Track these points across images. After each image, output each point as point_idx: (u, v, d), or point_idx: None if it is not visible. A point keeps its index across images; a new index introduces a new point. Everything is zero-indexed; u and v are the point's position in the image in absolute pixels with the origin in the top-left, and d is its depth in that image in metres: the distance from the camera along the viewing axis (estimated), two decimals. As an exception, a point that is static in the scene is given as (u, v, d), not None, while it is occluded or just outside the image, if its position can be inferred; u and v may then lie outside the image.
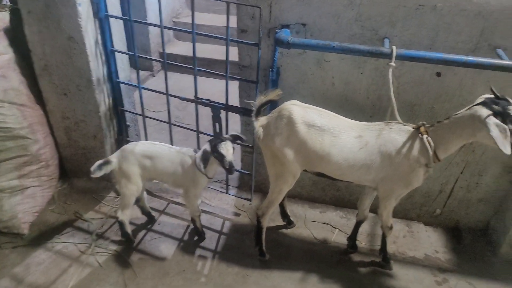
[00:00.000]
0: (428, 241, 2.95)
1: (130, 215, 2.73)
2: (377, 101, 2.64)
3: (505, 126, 1.82)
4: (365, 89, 2.61)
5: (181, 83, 4.89)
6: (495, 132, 1.81)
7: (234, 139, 2.50)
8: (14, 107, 2.76)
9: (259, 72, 2.59)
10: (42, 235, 2.87)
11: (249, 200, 3.18)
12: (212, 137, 2.56)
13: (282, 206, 2.93)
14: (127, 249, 2.79)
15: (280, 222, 3.05)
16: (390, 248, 2.87)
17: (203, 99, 2.75)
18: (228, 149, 2.40)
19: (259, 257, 2.73)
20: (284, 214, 2.97)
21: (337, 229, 3.01)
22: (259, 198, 3.27)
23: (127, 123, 3.28)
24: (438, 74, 2.45)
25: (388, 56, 2.14)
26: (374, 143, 2.15)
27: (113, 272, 2.62)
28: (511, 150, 1.83)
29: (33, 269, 2.62)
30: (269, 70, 2.62)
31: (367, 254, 2.82)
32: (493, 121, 1.84)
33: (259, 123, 2.31)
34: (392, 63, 2.14)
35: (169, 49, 5.66)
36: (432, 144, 2.06)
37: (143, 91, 2.98)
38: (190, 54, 2.64)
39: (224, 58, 2.57)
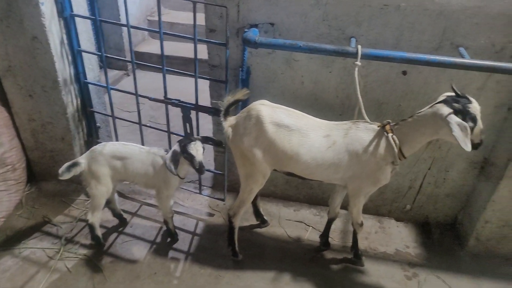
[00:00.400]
0: (399, 237, 3.00)
1: (100, 218, 2.68)
2: (346, 100, 2.66)
3: (466, 124, 1.86)
4: (334, 88, 2.63)
5: (156, 82, 4.81)
6: (456, 130, 1.85)
7: (205, 140, 2.49)
8: (-23, 109, 2.67)
9: (228, 72, 2.58)
10: (8, 241, 2.79)
11: (223, 200, 3.17)
12: (182, 137, 2.53)
13: (255, 205, 2.93)
14: (98, 253, 2.73)
15: (254, 221, 3.05)
16: (362, 244, 2.91)
17: (173, 99, 2.72)
18: (197, 150, 2.38)
19: (232, 258, 2.72)
20: (257, 214, 2.98)
21: (311, 227, 3.04)
22: (233, 198, 3.26)
23: (97, 124, 3.22)
24: (404, 73, 2.49)
25: (354, 55, 2.16)
26: (341, 142, 2.17)
27: (82, 277, 2.57)
28: (471, 146, 1.88)
29: (-1, 276, 2.55)
30: (239, 70, 2.61)
31: (340, 251, 2.85)
32: (454, 119, 1.88)
33: (228, 123, 2.31)
34: (358, 62, 2.16)
35: (144, 48, 5.59)
36: (397, 142, 2.10)
37: (117, 91, 2.92)
38: (165, 53, 2.61)
39: (199, 56, 2.55)
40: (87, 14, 2.83)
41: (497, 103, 2.48)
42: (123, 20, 5.02)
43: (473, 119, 1.90)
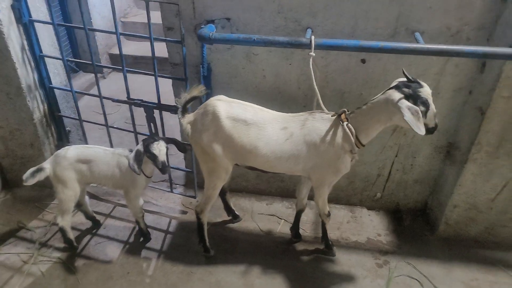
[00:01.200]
0: (371, 225, 3.02)
1: (70, 221, 2.69)
2: (308, 91, 2.67)
3: (417, 108, 1.87)
4: (295, 80, 2.64)
5: (133, 83, 4.83)
6: (407, 115, 1.86)
7: (169, 141, 2.50)
8: None
9: (188, 69, 2.58)
10: (-18, 248, 2.81)
11: (194, 197, 3.18)
12: (146, 137, 2.54)
13: (225, 201, 2.94)
14: (71, 255, 2.75)
15: (227, 217, 3.06)
16: (334, 234, 2.93)
17: (136, 99, 2.73)
18: (160, 149, 2.39)
19: (204, 254, 2.74)
20: (228, 209, 2.99)
21: (283, 220, 3.05)
22: (206, 194, 3.28)
23: (67, 128, 3.22)
24: (363, 61, 2.49)
25: (308, 46, 2.16)
26: (299, 133, 2.18)
27: (55, 280, 2.59)
28: (425, 130, 1.89)
29: (-28, 283, 2.57)
30: (200, 67, 2.61)
31: (311, 242, 2.87)
32: (405, 104, 1.89)
33: (186, 120, 2.31)
34: (312, 53, 2.15)
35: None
36: (352, 130, 2.11)
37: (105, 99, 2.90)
38: (140, 53, 2.61)
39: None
40: (47, 19, 2.81)
41: (456, 87, 2.48)
42: (95, 24, 5.04)
43: (424, 103, 1.91)
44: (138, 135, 3.00)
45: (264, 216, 3.10)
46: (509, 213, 2.66)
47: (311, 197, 3.15)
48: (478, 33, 2.27)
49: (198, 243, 2.75)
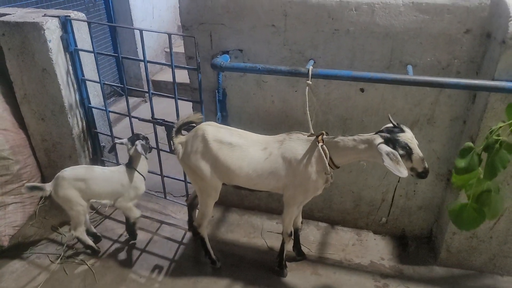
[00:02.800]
0: (375, 249, 3.08)
1: (84, 230, 2.97)
2: (313, 116, 2.86)
3: (395, 152, 1.95)
4: (301, 106, 2.85)
5: (170, 107, 5.26)
6: (386, 160, 1.95)
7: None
8: (-2, 132, 3.14)
9: (204, 93, 2.89)
10: (19, 247, 3.17)
11: (208, 212, 3.41)
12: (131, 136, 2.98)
13: (190, 215, 3.17)
14: (93, 258, 3.05)
15: (239, 233, 3.26)
16: (338, 255, 3.03)
17: (158, 119, 3.06)
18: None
19: (211, 265, 2.93)
20: (190, 222, 3.19)
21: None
22: (220, 210, 3.50)
23: (102, 144, 3.61)
24: (362, 90, 2.68)
25: (306, 75, 2.39)
26: (277, 153, 2.37)
27: (76, 279, 2.88)
28: (407, 172, 1.94)
29: (7, 276, 2.91)
30: (216, 92, 2.91)
31: (315, 261, 2.98)
32: (384, 149, 1.97)
33: (178, 140, 2.56)
34: (309, 82, 2.38)
35: (161, 77, 6.10)
36: (327, 152, 2.23)
37: (134, 118, 3.29)
38: (178, 81, 2.99)
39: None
40: (90, 48, 3.26)
41: (452, 116, 2.58)
42: (140, 54, 5.58)
43: (404, 147, 1.97)
44: (160, 151, 3.32)
45: (272, 234, 3.26)
46: (509, 243, 2.64)
47: (311, 217, 3.31)
48: (468, 67, 2.39)
49: (204, 255, 2.95)
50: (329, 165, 2.26)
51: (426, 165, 2.04)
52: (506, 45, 2.09)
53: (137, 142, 2.88)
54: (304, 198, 2.45)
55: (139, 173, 2.98)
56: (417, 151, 2.02)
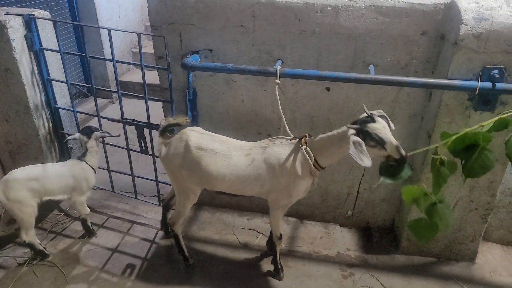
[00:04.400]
0: (342, 241, 3.23)
1: (34, 234, 2.91)
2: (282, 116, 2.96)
3: (361, 141, 1.98)
4: (270, 104, 2.95)
5: (138, 108, 5.23)
6: (351, 148, 1.98)
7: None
8: (-42, 133, 3.04)
9: (174, 93, 2.92)
10: (-16, 251, 3.09)
11: (180, 210, 3.44)
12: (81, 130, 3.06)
13: (164, 216, 3.18)
14: (63, 260, 3.01)
15: (210, 230, 3.31)
16: (307, 248, 3.15)
17: (128, 119, 3.07)
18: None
19: (184, 262, 2.97)
20: (163, 223, 3.21)
21: (261, 234, 3.28)
22: (192, 209, 3.53)
23: (69, 145, 3.56)
24: (328, 89, 2.80)
25: (274, 74, 2.48)
26: (260, 158, 2.40)
27: (46, 281, 2.84)
28: (370, 162, 1.98)
29: (-28, 281, 2.84)
30: (186, 91, 2.95)
31: (285, 255, 3.08)
32: (352, 139, 2.00)
33: (162, 140, 2.59)
34: (278, 81, 2.47)
35: (128, 77, 6.03)
36: (311, 154, 2.28)
37: (103, 118, 3.27)
38: (147, 81, 2.97)
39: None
40: (55, 48, 3.20)
41: (411, 113, 2.76)
42: (106, 53, 5.50)
43: (374, 138, 1.99)
44: (130, 151, 3.31)
45: (244, 230, 3.34)
46: (462, 231, 2.85)
47: (288, 214, 3.42)
48: (424, 66, 2.57)
49: (177, 252, 2.98)
50: (314, 167, 2.31)
51: (403, 153, 1.99)
52: (457, 46, 2.26)
53: (96, 132, 2.97)
54: (288, 201, 2.49)
55: (89, 165, 3.01)
56: (390, 140, 2.00)
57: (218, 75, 2.92)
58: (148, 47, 6.33)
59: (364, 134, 2.02)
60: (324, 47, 2.65)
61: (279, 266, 2.84)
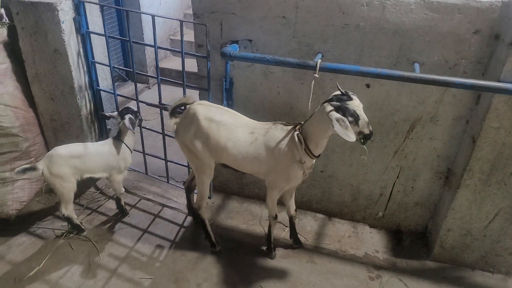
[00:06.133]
0: (370, 242, 3.16)
1: (73, 209, 3.05)
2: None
3: (344, 118, 2.11)
4: (306, 98, 2.90)
5: (173, 94, 5.32)
6: (336, 125, 2.10)
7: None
8: (8, 109, 3.18)
9: (212, 81, 2.94)
10: (26, 221, 3.26)
11: (210, 197, 3.49)
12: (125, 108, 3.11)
13: (189, 199, 3.24)
14: (97, 236, 3.14)
15: (238, 220, 3.34)
16: (334, 246, 3.11)
17: (166, 104, 3.12)
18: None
19: (210, 249, 3.02)
20: (189, 207, 3.27)
21: (287, 227, 3.26)
22: (221, 197, 3.58)
23: (108, 126, 3.68)
24: (368, 86, 2.72)
25: (314, 68, 2.44)
26: (261, 139, 2.48)
27: (81, 254, 2.98)
28: (355, 137, 2.11)
29: (14, 248, 3.00)
30: (223, 80, 2.96)
31: (311, 250, 3.06)
32: (334, 116, 2.12)
33: (174, 121, 2.69)
34: (316, 75, 2.43)
35: (166, 64, 6.11)
36: (301, 139, 2.34)
37: (141, 102, 3.38)
38: (186, 69, 3.04)
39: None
40: (101, 31, 3.30)
41: (455, 115, 2.63)
42: (146, 39, 5.61)
43: (353, 115, 2.14)
44: (166, 136, 3.38)
45: (271, 222, 3.34)
46: (501, 242, 2.71)
47: (309, 208, 3.38)
48: (475, 67, 2.43)
49: (204, 238, 3.03)
50: (307, 153, 2.36)
51: (371, 128, 2.22)
52: (513, 48, 2.13)
53: (126, 116, 3.01)
54: (285, 184, 2.57)
55: (126, 145, 3.10)
56: (363, 117, 2.18)
57: (256, 65, 2.90)
58: (186, 35, 6.40)
59: (344, 110, 2.15)
60: (367, 42, 2.57)
61: (272, 245, 2.93)
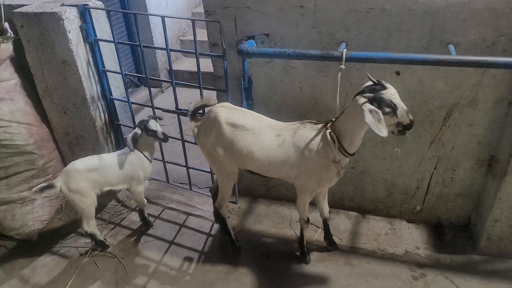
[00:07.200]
0: (409, 238, 2.98)
1: (95, 224, 2.93)
2: (345, 103, 2.73)
3: (378, 110, 1.93)
4: (332, 92, 2.73)
5: (188, 97, 5.18)
6: (368, 118, 1.92)
7: (154, 118, 2.93)
8: (21, 126, 3.08)
9: (230, 81, 2.78)
10: (48, 241, 3.17)
11: (235, 203, 3.35)
12: (140, 120, 2.91)
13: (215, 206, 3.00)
14: (122, 251, 3.02)
15: (267, 224, 3.18)
16: (371, 245, 2.94)
17: (183, 109, 2.97)
18: (156, 125, 2.87)
19: (230, 245, 2.94)
20: (216, 214, 3.00)
21: (320, 229, 3.10)
22: (246, 201, 3.43)
23: (124, 136, 3.56)
24: (398, 73, 2.53)
25: (339, 59, 2.26)
26: (290, 140, 2.31)
27: (107, 272, 2.86)
28: (386, 132, 1.92)
29: (39, 270, 2.91)
30: (241, 79, 2.80)
31: (347, 251, 2.90)
32: (367, 107, 1.94)
33: (194, 123, 2.55)
34: (342, 66, 2.25)
35: (177, 66, 5.97)
36: (334, 138, 2.18)
37: (157, 109, 3.22)
38: (196, 69, 2.88)
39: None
40: (110, 38, 3.16)
41: (496, 98, 2.42)
42: (156, 42, 5.47)
43: (389, 105, 1.97)
44: (185, 142, 3.24)
45: (301, 224, 3.18)
46: (557, 231, 2.51)
47: (341, 207, 3.21)
48: (516, 44, 2.23)
49: (223, 234, 2.95)
50: (341, 152, 2.21)
51: (411, 117, 2.02)
52: (561, 20, 1.92)
53: (131, 133, 2.83)
54: (317, 186, 2.41)
55: (145, 155, 2.95)
56: (402, 105, 2.00)
57: (275, 61, 2.74)
58: (198, 35, 6.26)
59: (379, 101, 1.98)
60: (394, 26, 2.38)
61: (305, 249, 2.78)
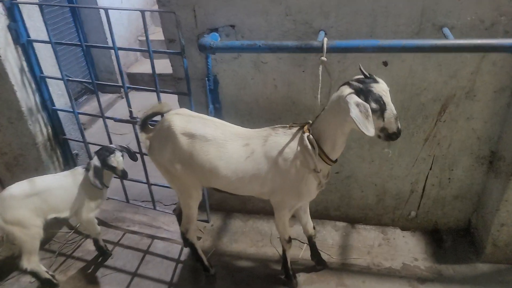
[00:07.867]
0: (405, 248, 2.67)
1: (38, 260, 2.43)
2: (326, 100, 2.38)
3: (366, 105, 1.62)
4: (310, 88, 2.38)
5: (150, 102, 4.71)
6: (354, 112, 1.60)
7: (122, 149, 2.50)
8: None
9: (190, 83, 2.38)
10: (-14, 282, 2.66)
11: (207, 221, 2.94)
12: (99, 148, 2.46)
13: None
14: (75, 289, 2.55)
15: (244, 242, 2.79)
16: (364, 260, 2.61)
17: (137, 117, 2.54)
18: (118, 160, 2.42)
19: (204, 273, 2.54)
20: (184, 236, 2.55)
21: (306, 244, 2.74)
22: (220, 217, 3.03)
23: (74, 151, 3.08)
24: (385, 64, 2.21)
25: (319, 50, 1.90)
26: (260, 150, 1.95)
27: (57, 317, 2.39)
28: (374, 131, 1.62)
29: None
30: (206, 80, 2.40)
31: (338, 270, 2.55)
32: (353, 99, 1.63)
33: (146, 135, 2.14)
34: (324, 58, 1.89)
35: (137, 68, 5.51)
36: (314, 143, 1.84)
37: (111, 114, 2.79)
38: (158, 71, 2.44)
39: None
40: (47, 38, 2.68)
41: (496, 87, 2.15)
42: (110, 43, 4.96)
43: (377, 101, 1.65)
44: (145, 155, 2.80)
45: (284, 240, 2.81)
46: None
47: (327, 217, 2.87)
48: (518, 24, 1.95)
49: (195, 261, 2.55)
50: (321, 158, 1.86)
51: (399, 125, 1.71)
52: None
53: (91, 162, 2.38)
54: (297, 201, 2.06)
55: (100, 187, 2.43)
56: (391, 107, 1.68)
57: (243, 56, 2.36)
58: (156, 34, 5.79)
59: (367, 95, 1.66)
60: (380, 9, 2.05)
61: (290, 272, 2.42)
